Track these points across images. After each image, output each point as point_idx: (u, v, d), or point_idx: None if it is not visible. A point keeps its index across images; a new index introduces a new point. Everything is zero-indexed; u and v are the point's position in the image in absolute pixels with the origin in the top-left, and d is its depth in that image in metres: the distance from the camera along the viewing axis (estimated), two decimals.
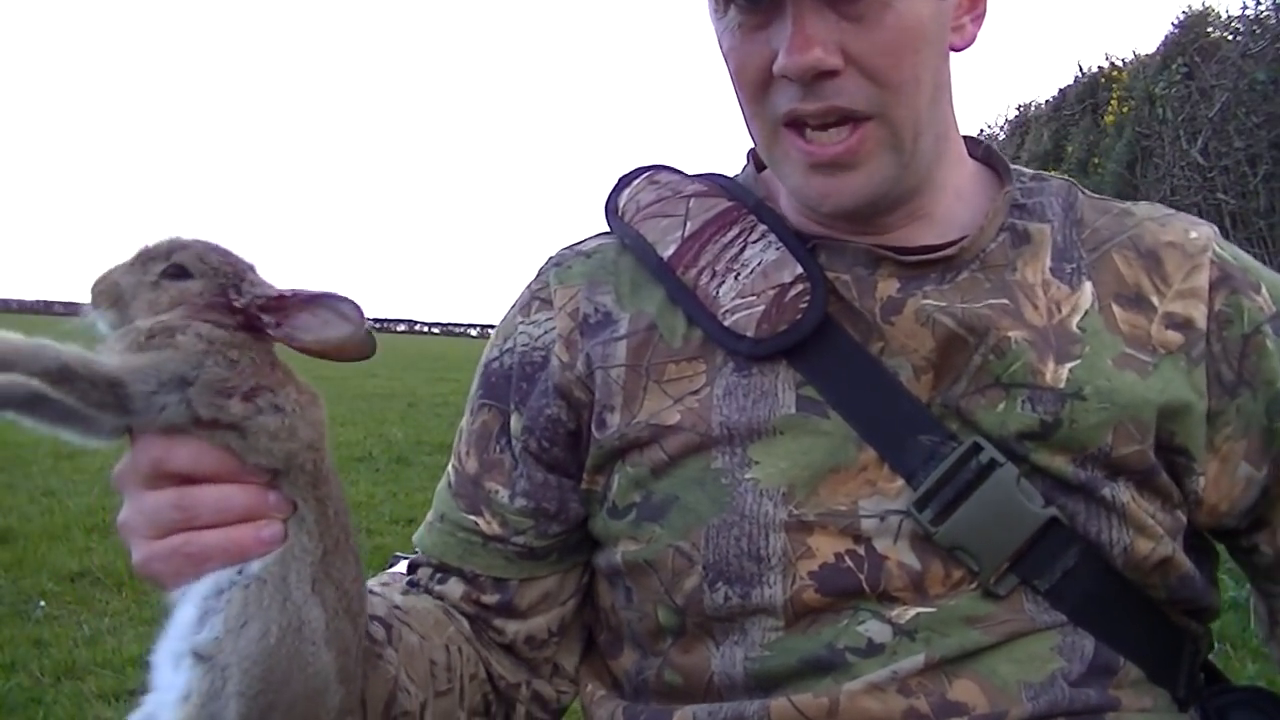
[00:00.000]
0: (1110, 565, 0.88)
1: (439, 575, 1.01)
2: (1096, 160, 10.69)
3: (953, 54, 0.93)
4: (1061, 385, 0.88)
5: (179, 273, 0.77)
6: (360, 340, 0.77)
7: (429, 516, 1.03)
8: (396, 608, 0.94)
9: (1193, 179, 8.41)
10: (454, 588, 0.99)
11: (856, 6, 0.84)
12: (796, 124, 0.88)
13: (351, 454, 8.12)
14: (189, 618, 0.75)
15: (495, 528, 0.97)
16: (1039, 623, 0.87)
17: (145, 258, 0.78)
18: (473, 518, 0.98)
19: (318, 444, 0.78)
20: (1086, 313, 0.91)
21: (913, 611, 0.86)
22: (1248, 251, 0.95)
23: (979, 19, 0.93)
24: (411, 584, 1.02)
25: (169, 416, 0.73)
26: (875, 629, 0.86)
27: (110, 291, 0.77)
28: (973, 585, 0.87)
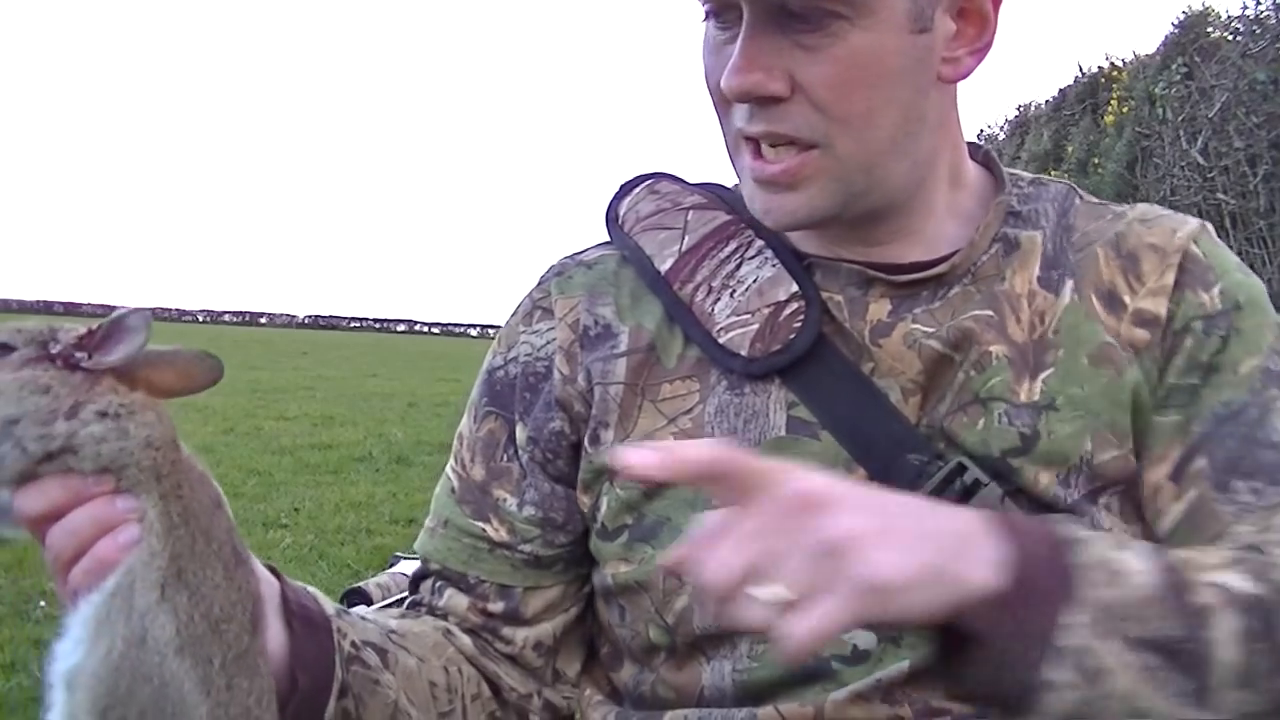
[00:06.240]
0: None
1: (440, 585, 1.01)
2: (1096, 160, 10.69)
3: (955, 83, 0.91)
4: (1036, 398, 0.88)
5: (3, 350, 0.80)
6: (190, 361, 0.80)
7: (429, 523, 1.03)
8: (392, 632, 0.94)
9: (1193, 179, 8.41)
10: (458, 600, 0.99)
11: (809, 36, 0.82)
12: (752, 139, 0.88)
13: (351, 454, 8.13)
14: (66, 647, 0.77)
15: (503, 534, 0.98)
16: None
17: None
18: (480, 524, 0.98)
19: (155, 442, 0.78)
20: (1066, 307, 0.90)
21: None
22: (1247, 251, 0.94)
23: (980, 53, 0.90)
24: (414, 604, 1.03)
25: (11, 465, 0.75)
26: (861, 636, 0.86)
27: None
28: None
